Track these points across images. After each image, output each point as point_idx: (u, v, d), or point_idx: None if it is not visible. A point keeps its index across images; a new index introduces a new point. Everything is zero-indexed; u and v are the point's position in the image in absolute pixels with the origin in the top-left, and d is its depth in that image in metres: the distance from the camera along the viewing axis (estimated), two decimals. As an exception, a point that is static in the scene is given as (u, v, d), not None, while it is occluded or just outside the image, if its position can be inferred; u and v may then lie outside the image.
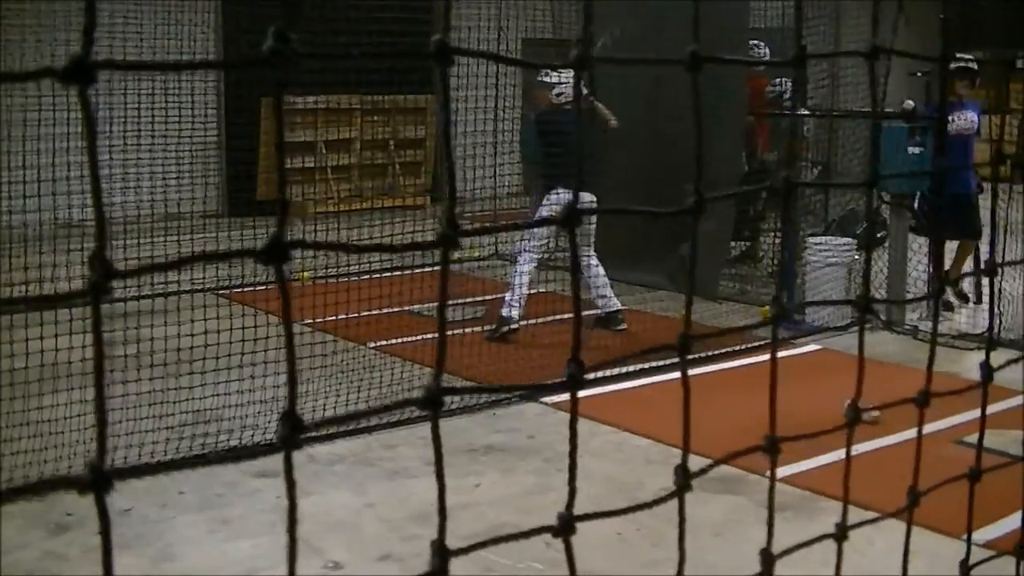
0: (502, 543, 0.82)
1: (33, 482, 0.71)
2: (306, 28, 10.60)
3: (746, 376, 7.00)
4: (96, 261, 0.64)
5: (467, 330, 7.99)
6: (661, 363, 6.74)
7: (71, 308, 6.03)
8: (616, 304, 8.63)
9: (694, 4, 0.83)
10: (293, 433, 0.66)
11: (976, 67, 9.20)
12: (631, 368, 6.98)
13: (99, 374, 0.67)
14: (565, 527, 0.80)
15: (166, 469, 5.21)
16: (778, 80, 11.22)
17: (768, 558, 0.92)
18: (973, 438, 6.17)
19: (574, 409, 0.81)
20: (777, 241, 10.44)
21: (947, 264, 9.42)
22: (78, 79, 0.64)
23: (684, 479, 0.85)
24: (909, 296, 9.29)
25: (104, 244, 0.66)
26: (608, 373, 6.86)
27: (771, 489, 1.00)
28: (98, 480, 0.65)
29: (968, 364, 7.59)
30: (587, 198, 8.18)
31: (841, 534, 1.04)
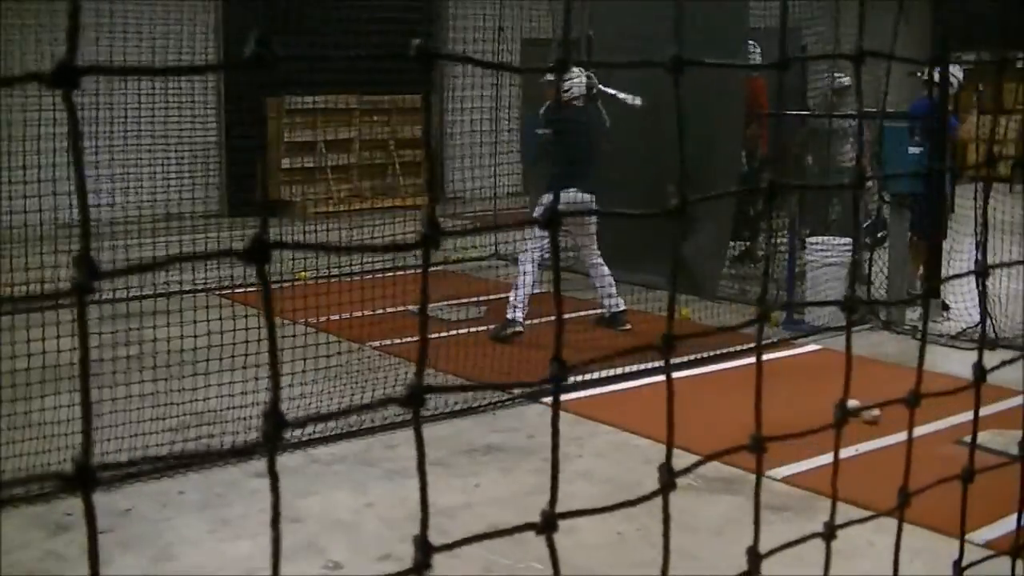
0: (485, 540, 0.82)
1: (21, 478, 0.72)
2: (304, 29, 10.59)
3: (747, 376, 6.99)
4: (82, 261, 0.65)
5: (468, 330, 7.99)
6: (661, 363, 6.73)
7: (71, 308, 6.02)
8: (620, 305, 8.63)
9: (676, 6, 0.84)
10: (277, 430, 0.67)
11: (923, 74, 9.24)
12: (632, 368, 6.97)
13: (84, 371, 0.68)
14: (547, 525, 0.80)
15: (160, 469, 5.21)
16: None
17: (755, 556, 0.93)
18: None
19: (556, 408, 0.81)
20: (776, 241, 10.42)
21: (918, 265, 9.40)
22: (63, 84, 0.64)
23: (669, 477, 0.85)
24: (910, 296, 9.29)
25: (89, 244, 0.67)
26: (609, 373, 6.85)
27: (757, 486, 1.01)
28: (84, 477, 0.66)
29: (969, 364, 7.59)
30: (585, 198, 8.17)
31: (830, 533, 1.05)
